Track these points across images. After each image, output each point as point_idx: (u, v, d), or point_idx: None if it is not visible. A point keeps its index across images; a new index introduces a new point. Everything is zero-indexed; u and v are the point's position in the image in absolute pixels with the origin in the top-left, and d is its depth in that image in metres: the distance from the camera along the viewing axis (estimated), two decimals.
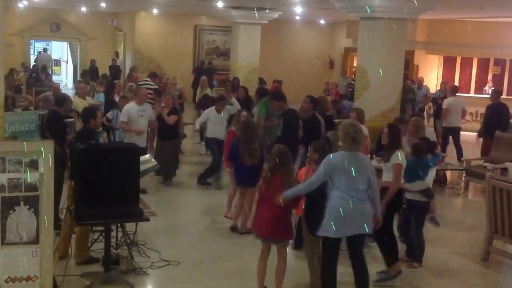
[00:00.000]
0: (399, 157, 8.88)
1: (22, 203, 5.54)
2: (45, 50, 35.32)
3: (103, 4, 27.02)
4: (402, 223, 9.77)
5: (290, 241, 9.02)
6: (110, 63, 28.63)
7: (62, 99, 11.24)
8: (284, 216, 7.99)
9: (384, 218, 8.17)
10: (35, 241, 5.60)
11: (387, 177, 8.98)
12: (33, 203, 5.55)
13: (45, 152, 5.40)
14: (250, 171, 10.59)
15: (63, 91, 20.77)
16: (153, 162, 10.25)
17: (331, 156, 7.73)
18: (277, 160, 8.08)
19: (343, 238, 7.80)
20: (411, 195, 9.41)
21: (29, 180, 5.48)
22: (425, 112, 22.93)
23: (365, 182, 7.62)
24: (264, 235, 8.14)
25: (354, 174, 7.48)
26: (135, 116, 12.95)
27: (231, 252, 10.00)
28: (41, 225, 5.52)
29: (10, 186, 5.56)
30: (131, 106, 13.15)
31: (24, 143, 5.42)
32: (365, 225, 7.60)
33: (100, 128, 11.29)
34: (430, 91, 23.12)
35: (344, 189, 7.49)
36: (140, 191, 12.80)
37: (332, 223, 7.52)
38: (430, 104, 22.60)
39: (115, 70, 27.15)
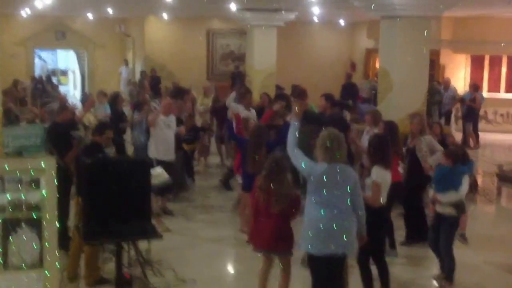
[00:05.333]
0: (376, 174, 8.47)
1: (23, 224, 5.50)
2: None
3: (110, 10, 27.04)
4: (434, 238, 9.61)
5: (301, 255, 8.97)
6: (150, 74, 28.32)
7: (59, 109, 11.31)
8: (282, 225, 7.94)
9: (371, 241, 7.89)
10: (39, 264, 5.55)
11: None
12: (35, 224, 5.51)
13: (47, 169, 5.36)
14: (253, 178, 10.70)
15: (70, 101, 20.82)
16: (165, 176, 10.24)
17: (315, 165, 7.47)
18: (270, 168, 8.06)
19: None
20: (440, 208, 9.23)
21: (30, 200, 5.44)
22: (452, 115, 22.92)
23: (346, 196, 7.33)
24: (264, 248, 8.10)
25: (329, 187, 7.24)
26: (162, 126, 12.78)
27: (250, 268, 9.85)
28: (44, 248, 5.47)
29: (10, 207, 5.50)
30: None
31: (26, 160, 5.38)
32: (343, 245, 7.28)
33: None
34: (458, 92, 22.97)
35: (320, 202, 7.25)
36: (167, 212, 12.82)
37: (309, 236, 7.33)
38: (458, 106, 22.55)
39: (155, 82, 26.78)
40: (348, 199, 7.34)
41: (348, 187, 7.33)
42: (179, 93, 17.90)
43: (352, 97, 22.75)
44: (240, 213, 11.83)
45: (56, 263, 5.57)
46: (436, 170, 9.69)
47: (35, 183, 5.41)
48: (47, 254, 5.46)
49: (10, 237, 5.47)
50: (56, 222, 5.50)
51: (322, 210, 7.24)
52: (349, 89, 24.28)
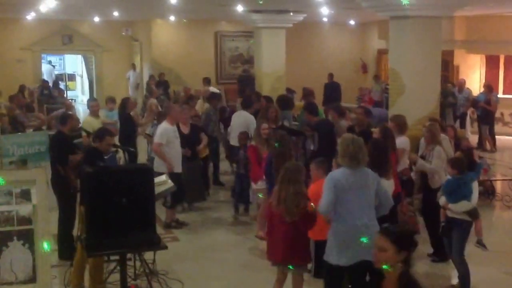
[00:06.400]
0: None
1: (15, 238, 5.40)
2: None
3: (115, 13, 26.92)
4: (448, 244, 9.41)
5: (309, 266, 8.84)
6: (158, 78, 28.15)
7: (63, 117, 11.25)
8: (299, 237, 7.87)
9: None
10: (32, 279, 5.44)
11: None
12: (27, 237, 5.40)
13: (37, 181, 5.26)
14: None
15: (78, 107, 20.79)
16: (170, 183, 10.10)
17: (330, 175, 7.62)
18: (287, 177, 7.97)
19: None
20: (452, 213, 9.10)
21: (21, 213, 5.34)
22: (468, 117, 22.69)
23: (372, 198, 7.44)
24: (278, 261, 8.04)
25: (355, 193, 7.33)
26: (173, 137, 12.36)
27: (261, 279, 9.67)
28: (37, 262, 5.37)
29: (1, 220, 5.40)
30: (166, 127, 12.46)
31: (14, 172, 5.29)
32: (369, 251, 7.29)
33: (113, 149, 11.16)
34: (473, 94, 22.74)
35: (345, 211, 7.31)
36: (180, 223, 12.64)
37: (333, 248, 7.38)
38: (473, 108, 22.32)
39: (164, 86, 26.66)
40: (373, 200, 7.45)
41: (373, 187, 7.47)
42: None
43: (335, 97, 24.23)
44: (259, 219, 11.58)
45: (49, 277, 5.47)
46: (445, 182, 9.52)
47: (26, 195, 5.32)
48: (39, 269, 5.35)
49: (1, 251, 5.38)
50: (48, 234, 5.40)
51: (343, 218, 7.34)
52: (333, 88, 25.66)
